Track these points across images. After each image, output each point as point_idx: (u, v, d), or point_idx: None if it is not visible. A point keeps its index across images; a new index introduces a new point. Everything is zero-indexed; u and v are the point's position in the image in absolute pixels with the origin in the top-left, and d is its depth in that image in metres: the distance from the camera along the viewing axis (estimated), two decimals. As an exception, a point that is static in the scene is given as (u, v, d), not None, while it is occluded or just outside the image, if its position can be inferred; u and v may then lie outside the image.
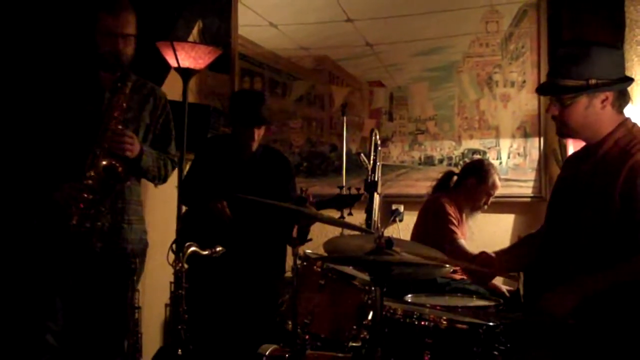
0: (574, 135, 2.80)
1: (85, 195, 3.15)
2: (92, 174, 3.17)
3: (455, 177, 4.67)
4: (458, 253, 4.22)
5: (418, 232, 4.52)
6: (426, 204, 4.63)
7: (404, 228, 5.36)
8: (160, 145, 3.56)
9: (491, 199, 4.59)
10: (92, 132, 3.23)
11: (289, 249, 3.01)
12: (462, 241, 4.35)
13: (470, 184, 4.52)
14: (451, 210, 4.44)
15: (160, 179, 3.60)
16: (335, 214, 4.62)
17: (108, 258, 3.32)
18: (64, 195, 3.15)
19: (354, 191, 4.24)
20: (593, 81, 2.63)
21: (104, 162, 3.19)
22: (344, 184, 4.83)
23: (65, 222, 3.13)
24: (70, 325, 3.28)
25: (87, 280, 3.31)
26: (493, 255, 3.04)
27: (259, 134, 4.27)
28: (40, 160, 3.26)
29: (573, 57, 2.68)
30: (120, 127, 3.23)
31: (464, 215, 4.54)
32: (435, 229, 4.39)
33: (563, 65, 2.69)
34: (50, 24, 3.85)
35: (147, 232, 3.63)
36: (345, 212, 4.55)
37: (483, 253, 3.05)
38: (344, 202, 4.32)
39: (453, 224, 4.38)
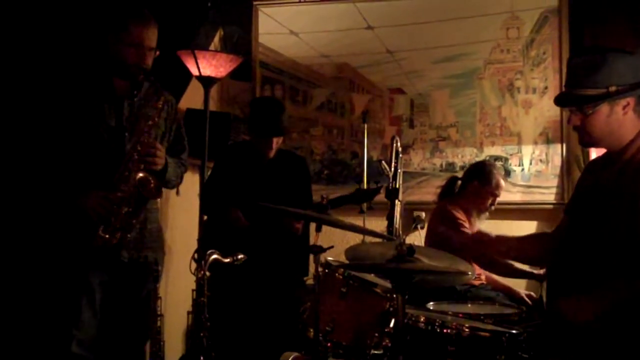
0: (597, 144, 2.78)
1: (118, 208, 3.14)
2: (124, 187, 3.15)
3: (459, 182, 4.65)
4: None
5: (431, 241, 4.49)
6: (434, 213, 4.61)
7: (425, 235, 5.34)
8: (174, 153, 3.53)
9: (497, 200, 4.55)
10: (118, 142, 3.20)
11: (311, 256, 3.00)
12: None
13: (475, 186, 4.50)
14: (459, 214, 4.42)
15: (176, 186, 3.61)
16: (355, 216, 4.64)
17: (133, 267, 3.33)
18: (95, 206, 3.12)
19: (372, 185, 4.24)
20: (613, 88, 2.60)
21: (141, 175, 3.18)
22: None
23: (92, 232, 3.12)
24: (99, 334, 3.28)
25: (115, 290, 3.32)
26: (492, 235, 3.03)
27: (277, 142, 4.28)
28: (64, 170, 3.21)
29: (589, 65, 2.64)
30: (151, 140, 3.21)
31: (472, 219, 4.52)
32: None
33: (580, 75, 2.66)
34: (69, 29, 3.81)
35: (163, 238, 3.63)
36: (365, 206, 4.55)
37: (479, 232, 3.05)
38: (363, 196, 4.33)
39: (464, 227, 4.36)
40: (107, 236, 3.13)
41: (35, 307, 3.34)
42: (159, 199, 3.53)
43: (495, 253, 3.14)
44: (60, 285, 3.22)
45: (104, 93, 3.27)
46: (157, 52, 3.31)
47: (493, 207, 4.57)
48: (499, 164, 5.23)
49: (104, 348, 3.32)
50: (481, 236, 3.09)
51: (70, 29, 3.83)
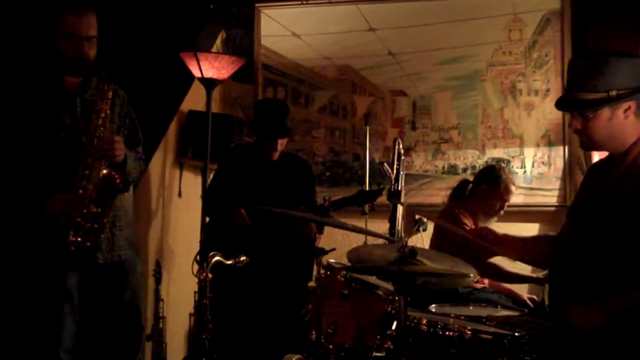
0: (599, 147, 2.77)
1: (86, 209, 3.02)
2: (89, 186, 3.03)
3: (470, 185, 4.64)
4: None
5: (436, 244, 4.48)
6: (442, 214, 4.60)
7: (427, 237, 5.33)
8: (130, 146, 3.37)
9: (506, 205, 4.54)
10: (74, 140, 3.11)
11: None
12: None
13: (483, 190, 4.48)
14: (466, 219, 4.41)
15: (137, 180, 3.49)
16: (357, 218, 4.63)
17: (110, 269, 3.26)
18: (62, 210, 3.00)
19: (374, 187, 4.23)
20: (614, 92, 2.60)
21: (105, 172, 3.06)
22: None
23: (62, 236, 3.01)
24: (81, 339, 3.22)
25: (95, 294, 3.25)
26: (494, 231, 3.05)
27: (281, 144, 4.28)
28: (26, 174, 3.10)
29: (591, 69, 2.63)
30: (107, 133, 3.09)
31: (479, 223, 4.50)
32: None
33: (581, 79, 2.65)
34: (10, 28, 3.74)
35: (134, 236, 3.52)
36: (367, 208, 4.53)
37: (483, 227, 3.05)
38: (365, 197, 4.32)
39: None
40: (79, 239, 3.03)
41: (18, 316, 3.25)
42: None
43: (498, 249, 3.13)
44: (40, 292, 3.13)
45: (54, 92, 3.17)
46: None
47: (502, 212, 4.55)
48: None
49: (90, 354, 3.28)
50: (484, 231, 3.09)
51: (17, 29, 3.77)
